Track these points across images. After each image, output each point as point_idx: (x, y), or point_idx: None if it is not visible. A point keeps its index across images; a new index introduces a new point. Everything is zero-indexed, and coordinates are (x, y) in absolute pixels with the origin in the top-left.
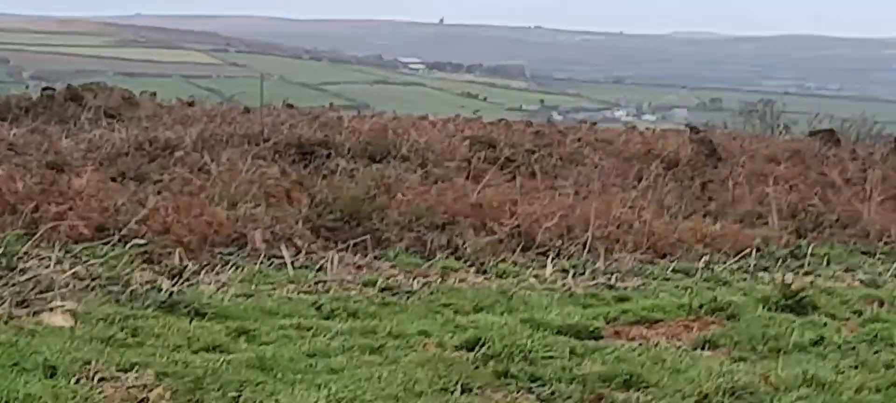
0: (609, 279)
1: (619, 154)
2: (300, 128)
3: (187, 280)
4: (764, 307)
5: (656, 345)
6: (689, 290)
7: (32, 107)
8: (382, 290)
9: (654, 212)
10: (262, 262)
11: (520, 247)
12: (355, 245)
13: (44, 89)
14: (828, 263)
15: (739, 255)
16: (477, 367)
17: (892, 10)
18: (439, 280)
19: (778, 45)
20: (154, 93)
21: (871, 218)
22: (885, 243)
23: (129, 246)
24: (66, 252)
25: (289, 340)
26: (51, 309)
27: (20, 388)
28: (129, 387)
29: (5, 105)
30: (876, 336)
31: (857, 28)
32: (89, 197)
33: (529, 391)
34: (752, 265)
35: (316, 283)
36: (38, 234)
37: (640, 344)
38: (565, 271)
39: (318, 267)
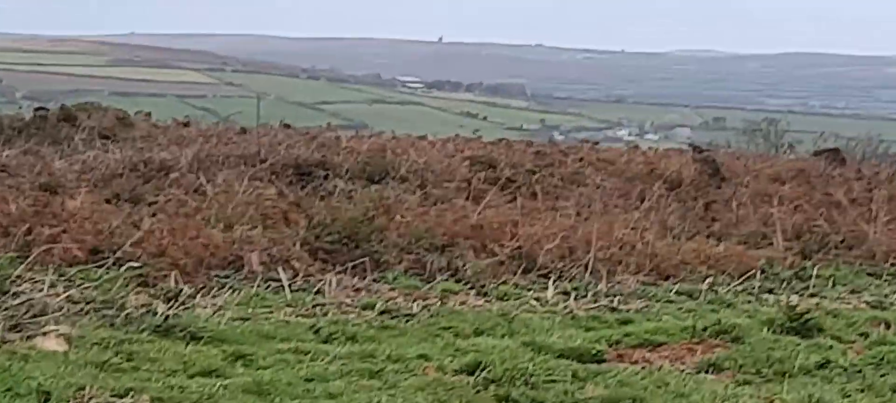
0: (611, 301)
1: (622, 174)
2: (297, 149)
3: (183, 303)
4: (769, 329)
5: (659, 369)
6: (692, 313)
7: (25, 128)
8: (381, 313)
9: (657, 233)
10: (259, 285)
11: (521, 269)
12: (354, 267)
13: (37, 109)
14: (833, 285)
15: (744, 277)
16: (478, 391)
17: None
18: (439, 302)
19: (782, 63)
20: (149, 113)
21: (876, 239)
22: (892, 264)
23: (123, 268)
24: (60, 275)
25: (286, 364)
26: (44, 334)
27: None
28: None
29: None
30: (882, 358)
31: (861, 46)
32: (83, 219)
33: None
34: (756, 287)
35: (314, 306)
36: (31, 257)
37: (643, 368)
38: (567, 293)
39: (315, 289)
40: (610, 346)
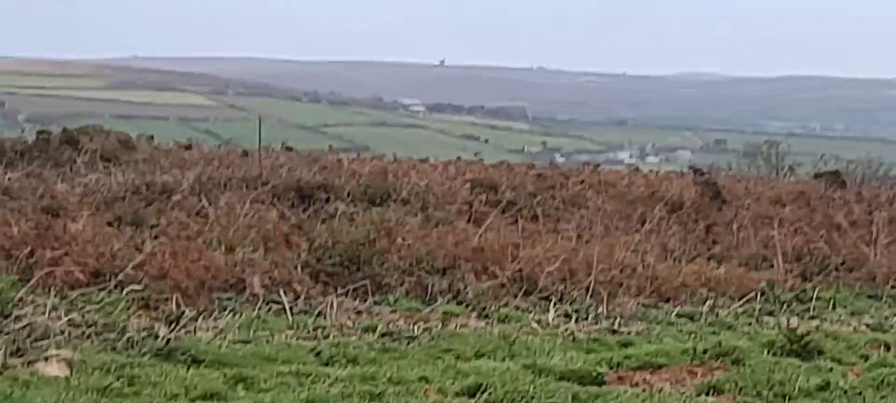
0: (612, 324)
1: (623, 197)
2: (299, 172)
3: (184, 326)
4: (769, 352)
5: (660, 391)
6: (693, 335)
7: (28, 151)
8: (382, 336)
9: (658, 256)
10: (260, 308)
11: (522, 292)
12: (355, 290)
13: (39, 132)
14: (834, 307)
15: (744, 299)
16: None
17: None
18: (440, 325)
19: (782, 86)
20: (151, 136)
21: (877, 262)
22: (892, 286)
23: (125, 291)
24: (62, 298)
25: (288, 387)
26: (46, 358)
27: None
28: None
29: (0, 148)
30: (882, 380)
31: (861, 69)
32: (85, 242)
33: None
34: (757, 309)
35: (315, 329)
36: (33, 280)
37: (644, 390)
38: (568, 316)
39: (317, 312)
40: (611, 369)
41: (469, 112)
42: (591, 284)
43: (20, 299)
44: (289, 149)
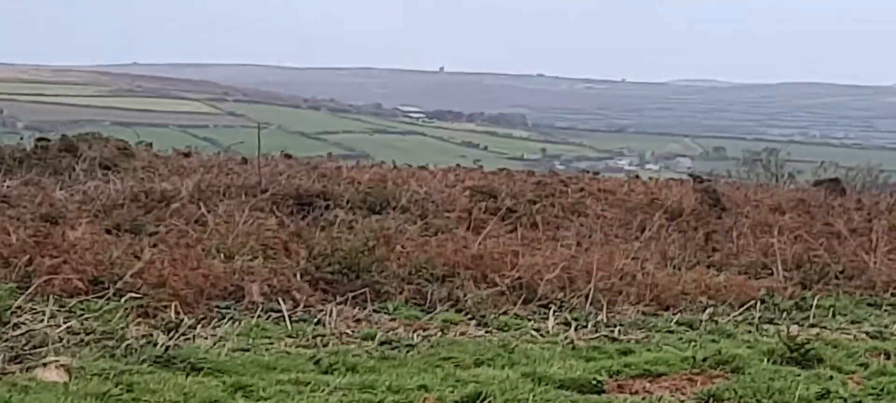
0: (612, 331)
1: (622, 204)
2: (298, 179)
3: (183, 334)
4: (769, 360)
5: (660, 399)
6: (692, 343)
7: (26, 159)
8: (382, 344)
9: (658, 264)
10: (259, 316)
11: (521, 300)
12: (354, 297)
13: (38, 140)
14: (833, 315)
15: (744, 307)
16: None
17: None
18: (439, 333)
19: (781, 94)
20: (150, 144)
21: (877, 269)
22: (892, 294)
23: (124, 299)
24: (61, 306)
25: (287, 395)
26: (45, 365)
27: None
28: None
29: None
30: (882, 389)
31: (861, 76)
32: (84, 250)
33: None
34: (756, 317)
35: (314, 337)
36: (31, 288)
37: (644, 398)
38: (567, 324)
39: (316, 320)
40: (610, 377)
41: (468, 119)
42: (591, 292)
43: (19, 307)
44: (288, 156)
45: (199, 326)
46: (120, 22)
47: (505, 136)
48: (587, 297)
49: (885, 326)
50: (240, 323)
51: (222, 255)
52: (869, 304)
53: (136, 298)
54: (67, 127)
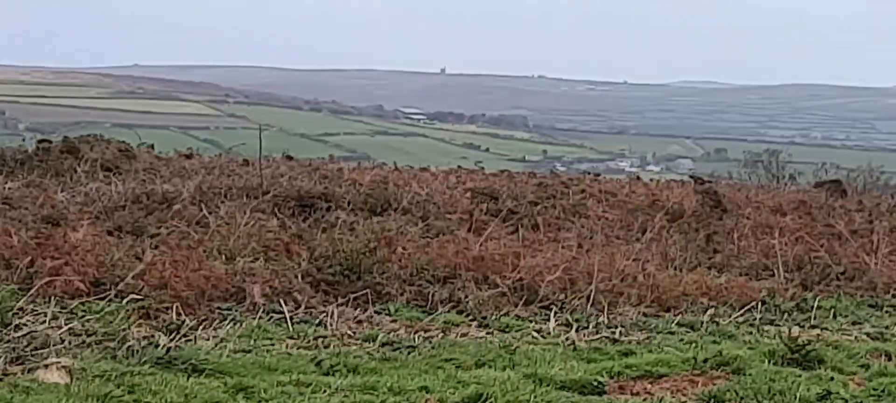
0: (613, 333)
1: (623, 205)
2: (300, 181)
3: (185, 335)
4: (770, 361)
5: (661, 400)
6: (694, 344)
7: (28, 160)
8: (383, 345)
9: (659, 265)
10: (260, 317)
11: (522, 301)
12: (356, 299)
13: (40, 142)
14: (834, 316)
15: (745, 308)
16: None
17: None
18: (441, 334)
19: (782, 95)
20: (151, 146)
21: (878, 271)
22: (893, 295)
23: (125, 301)
24: (62, 307)
25: (288, 397)
26: (46, 366)
27: None
28: None
29: (0, 158)
30: (883, 390)
31: (861, 77)
32: (85, 251)
33: None
34: (757, 318)
35: (315, 338)
36: (33, 289)
37: (645, 400)
38: (568, 325)
39: (317, 321)
40: (611, 378)
41: (470, 120)
42: (592, 293)
43: (20, 308)
44: (289, 157)
45: (201, 327)
46: (121, 24)
47: (506, 138)
48: (588, 298)
49: (886, 327)
50: (241, 325)
51: (224, 257)
52: (870, 305)
53: (138, 300)
54: (69, 128)
